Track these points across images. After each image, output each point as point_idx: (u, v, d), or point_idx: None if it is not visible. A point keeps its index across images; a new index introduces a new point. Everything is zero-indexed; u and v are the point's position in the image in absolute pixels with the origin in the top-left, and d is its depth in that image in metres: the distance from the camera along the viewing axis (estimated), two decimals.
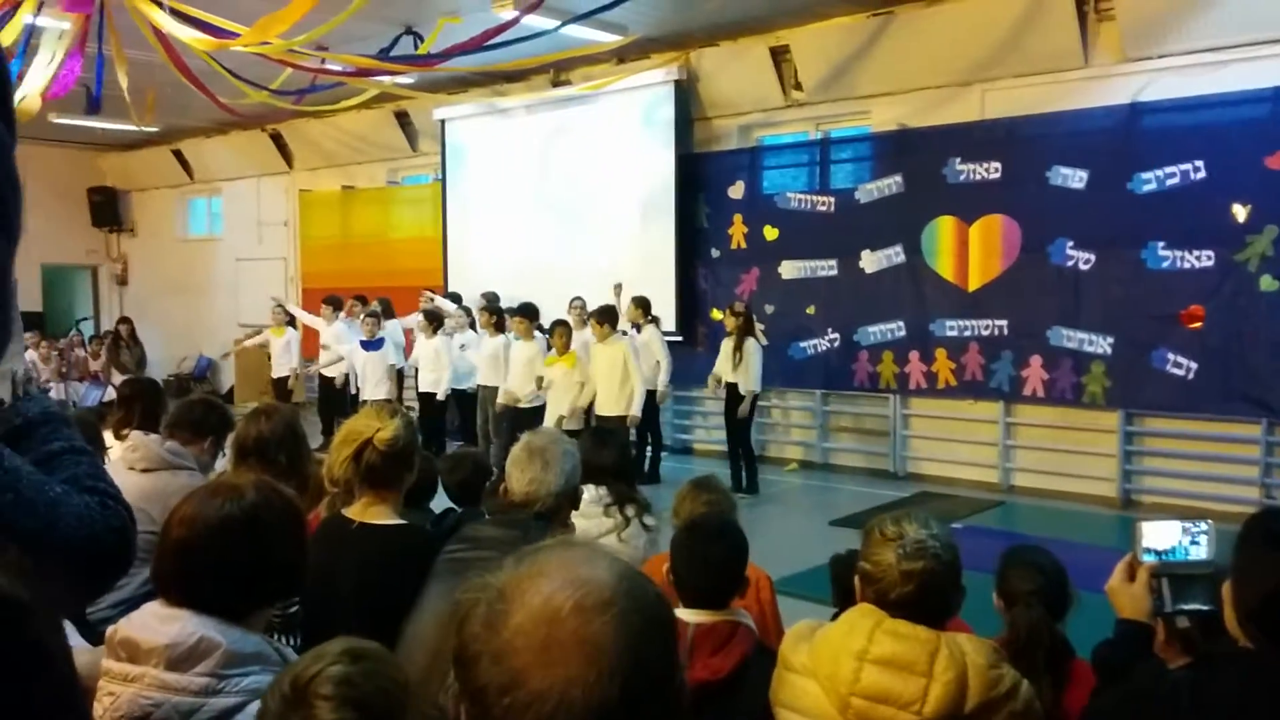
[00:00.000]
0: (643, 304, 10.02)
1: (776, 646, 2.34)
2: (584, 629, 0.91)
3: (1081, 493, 9.05)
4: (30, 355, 13.85)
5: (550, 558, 0.99)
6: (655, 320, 10.10)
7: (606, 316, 9.23)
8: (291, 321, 12.48)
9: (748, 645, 2.45)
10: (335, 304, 11.90)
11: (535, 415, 9.07)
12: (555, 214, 12.23)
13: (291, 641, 2.76)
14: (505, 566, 0.99)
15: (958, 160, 9.54)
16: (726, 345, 9.45)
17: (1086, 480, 9.06)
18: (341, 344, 11.38)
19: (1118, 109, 8.73)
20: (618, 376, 8.96)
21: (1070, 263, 9.02)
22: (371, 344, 10.79)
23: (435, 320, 10.64)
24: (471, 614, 0.96)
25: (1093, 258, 8.92)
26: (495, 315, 10.25)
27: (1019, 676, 2.01)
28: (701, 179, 11.34)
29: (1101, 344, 8.91)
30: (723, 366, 9.41)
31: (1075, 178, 8.93)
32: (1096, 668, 2.17)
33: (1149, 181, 8.57)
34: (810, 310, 10.63)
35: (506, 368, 9.89)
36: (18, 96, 7.46)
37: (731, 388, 9.32)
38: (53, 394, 12.32)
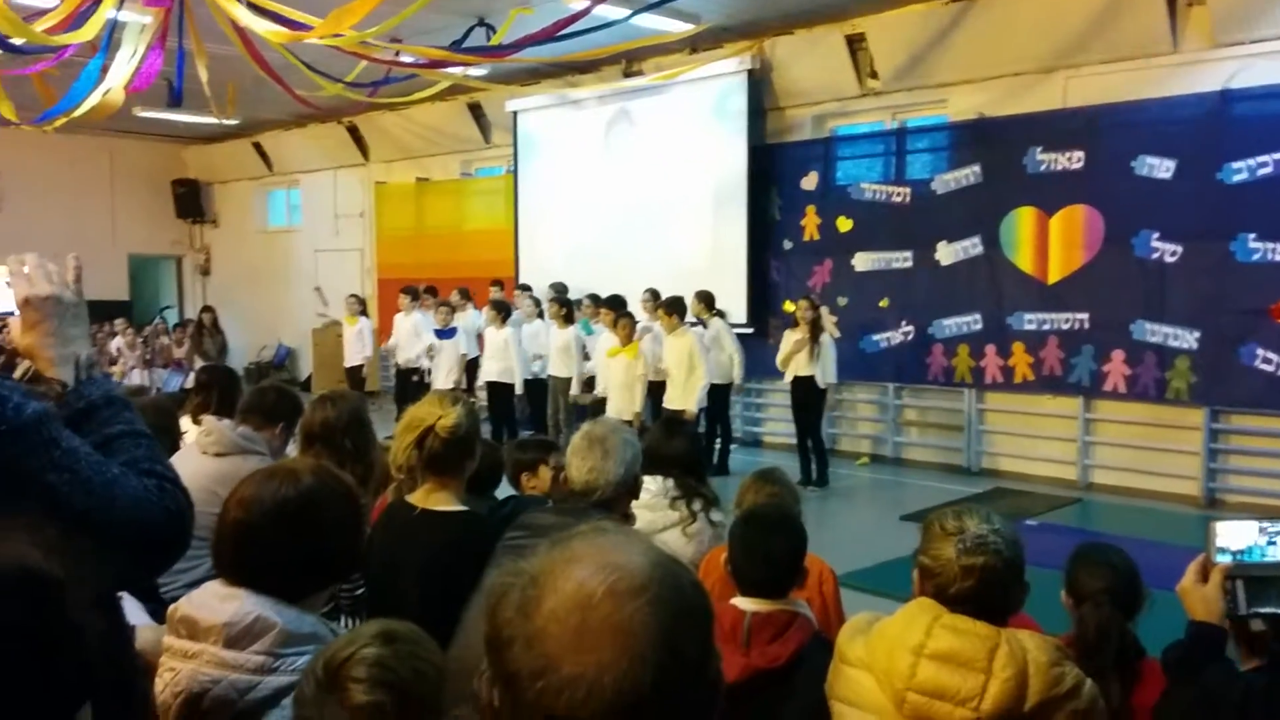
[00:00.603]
0: (706, 298, 9.93)
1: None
2: (617, 614, 0.90)
3: (1163, 491, 8.79)
4: (117, 342, 14.29)
5: (584, 543, 0.98)
6: (721, 314, 10.04)
7: (675, 307, 9.18)
8: (364, 311, 12.67)
9: (805, 634, 2.44)
10: (412, 294, 12.05)
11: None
12: (626, 205, 12.23)
13: (356, 623, 2.80)
14: (539, 551, 0.99)
15: (1039, 150, 9.31)
16: (793, 336, 9.31)
17: (1168, 479, 8.81)
18: (420, 334, 11.53)
19: (1208, 96, 8.43)
20: (684, 368, 8.92)
21: (1156, 255, 8.76)
22: (445, 333, 10.91)
23: (504, 311, 10.73)
24: (504, 599, 0.96)
25: (1180, 250, 8.64)
26: (564, 306, 10.30)
27: (1082, 675, 1.95)
28: (774, 170, 11.24)
29: (1187, 338, 8.64)
30: (790, 358, 9.28)
31: (1162, 167, 8.66)
32: (1167, 669, 2.10)
33: (1240, 171, 8.28)
34: (883, 303, 10.48)
35: (578, 358, 9.94)
36: (101, 90, 7.70)
37: (805, 381, 9.21)
38: (136, 380, 12.73)
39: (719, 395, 9.56)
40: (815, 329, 9.21)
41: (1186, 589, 2.02)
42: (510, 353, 10.56)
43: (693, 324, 9.59)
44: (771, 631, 2.41)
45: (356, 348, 12.43)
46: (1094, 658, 2.34)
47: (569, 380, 10.06)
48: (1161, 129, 8.65)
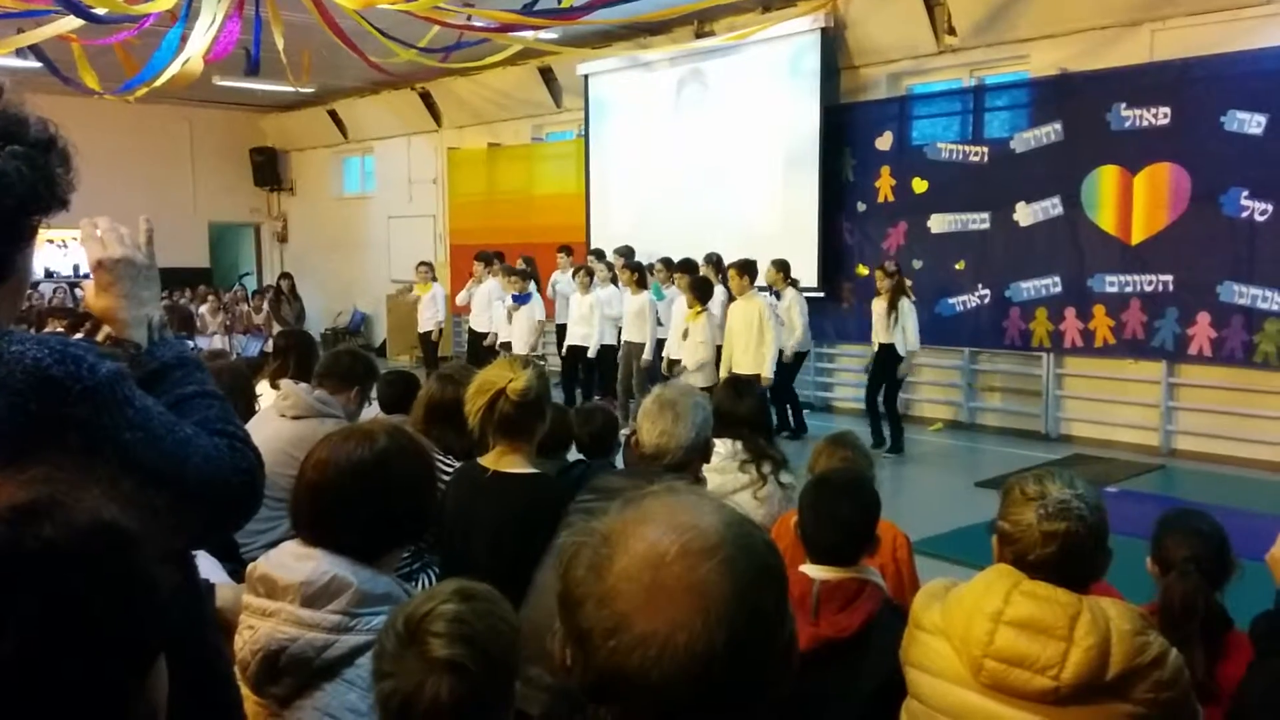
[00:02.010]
0: (783, 267, 9.75)
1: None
2: (689, 574, 0.90)
3: (1250, 458, 8.52)
4: (199, 308, 14.66)
5: (655, 503, 0.98)
6: (795, 283, 9.89)
7: (746, 270, 8.99)
8: (434, 276, 12.78)
9: (875, 603, 2.38)
10: (486, 260, 12.11)
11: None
12: (697, 168, 12.13)
13: (429, 583, 2.84)
14: (610, 512, 0.99)
15: (1123, 106, 9.00)
16: (879, 306, 9.19)
17: (1256, 445, 8.53)
18: (493, 302, 11.62)
19: None
20: (754, 334, 8.74)
21: (1245, 213, 8.44)
22: (521, 298, 10.98)
23: (590, 276, 10.76)
24: (576, 558, 0.96)
25: (1270, 208, 8.31)
26: (636, 271, 10.27)
27: (1167, 644, 1.89)
28: (847, 130, 11.05)
29: (1277, 300, 8.33)
30: (878, 328, 9.16)
31: (1253, 122, 8.32)
32: (1255, 640, 2.03)
33: None
34: (959, 266, 10.28)
35: (651, 323, 9.92)
36: (181, 59, 7.82)
37: (886, 348, 9.08)
38: (218, 344, 13.04)
39: (783, 367, 9.40)
40: (896, 294, 9.01)
41: (1277, 557, 1.95)
42: (594, 319, 10.60)
43: (762, 289, 9.47)
44: (841, 600, 2.36)
45: (430, 313, 12.57)
46: (1178, 628, 2.27)
47: (643, 345, 10.04)
48: (1252, 82, 8.30)
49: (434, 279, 12.77)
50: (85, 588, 0.76)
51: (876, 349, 9.22)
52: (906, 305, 9.05)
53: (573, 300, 10.99)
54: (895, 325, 8.97)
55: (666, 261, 10.47)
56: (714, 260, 10.04)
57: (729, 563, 0.91)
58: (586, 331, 10.73)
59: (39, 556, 0.75)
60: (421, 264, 12.87)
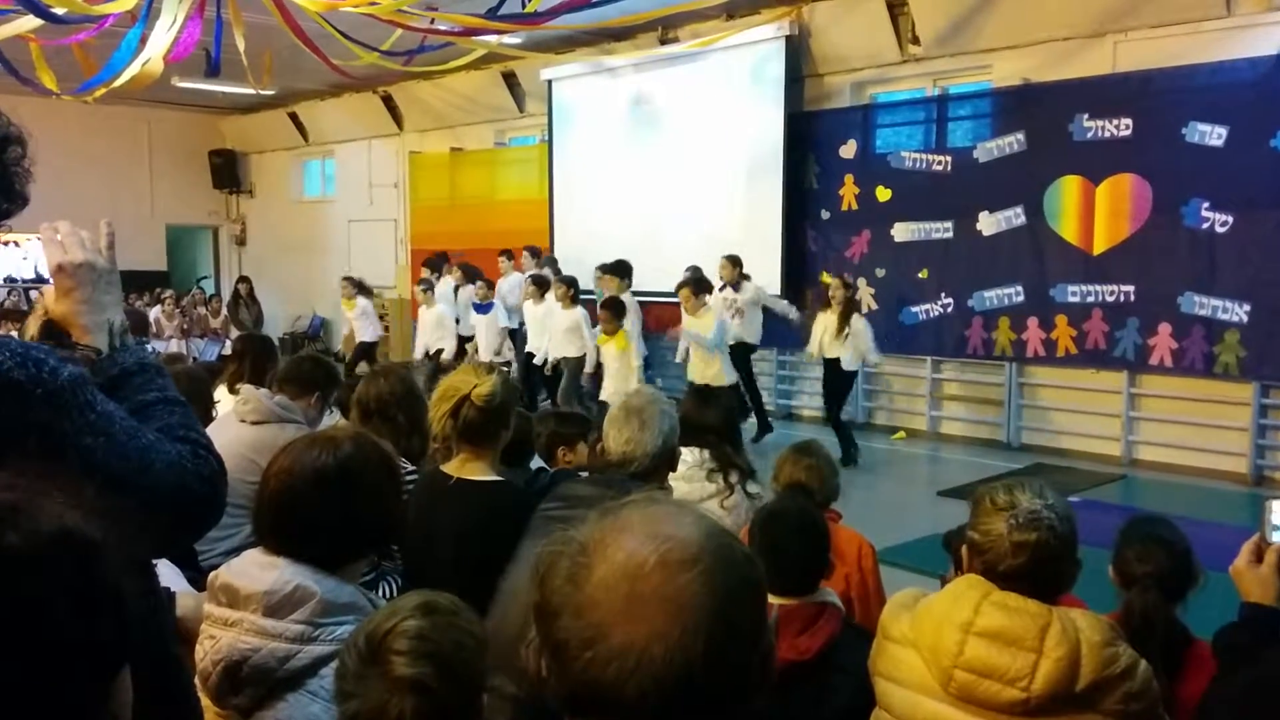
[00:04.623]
0: (736, 261, 9.75)
1: (878, 615, 2.27)
2: (667, 585, 0.89)
3: (1210, 468, 8.63)
4: (155, 312, 14.45)
5: (634, 513, 0.97)
6: (747, 276, 9.85)
7: (700, 287, 8.82)
8: (363, 291, 12.59)
9: (835, 625, 2.40)
10: (434, 266, 11.91)
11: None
12: (661, 174, 12.14)
13: (392, 591, 2.80)
14: (589, 521, 0.98)
15: (1085, 116, 9.11)
16: (828, 318, 9.00)
17: (1216, 455, 8.64)
18: (443, 323, 11.44)
19: (1262, 61, 8.19)
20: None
21: (1206, 225, 8.56)
22: (482, 308, 10.87)
23: (543, 286, 10.65)
24: (554, 567, 0.95)
25: (1230, 220, 8.43)
26: (571, 286, 10.07)
27: (1136, 656, 1.90)
28: (811, 138, 11.10)
29: (1237, 311, 8.45)
30: (824, 339, 9.00)
31: (1214, 134, 8.44)
32: (1218, 653, 2.03)
33: None
34: (923, 274, 10.35)
35: (589, 338, 9.76)
36: (141, 60, 7.71)
37: (833, 363, 9.00)
38: (175, 348, 12.86)
39: (742, 356, 9.37)
40: (849, 309, 8.92)
41: (1240, 569, 1.96)
42: (543, 328, 10.48)
43: (722, 288, 9.50)
44: (800, 624, 2.38)
45: (365, 325, 12.35)
46: (1138, 644, 2.28)
47: (578, 360, 9.88)
48: (1213, 95, 8.42)
49: (359, 293, 12.56)
50: (48, 595, 0.74)
51: (821, 361, 9.14)
52: (861, 324, 8.95)
53: (526, 310, 10.79)
54: (845, 340, 8.86)
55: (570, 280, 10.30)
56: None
57: (708, 574, 0.90)
58: (540, 343, 10.51)
59: (1, 563, 0.73)
60: (344, 279, 12.69)
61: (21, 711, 0.73)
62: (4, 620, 0.72)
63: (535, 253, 12.04)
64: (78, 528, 0.78)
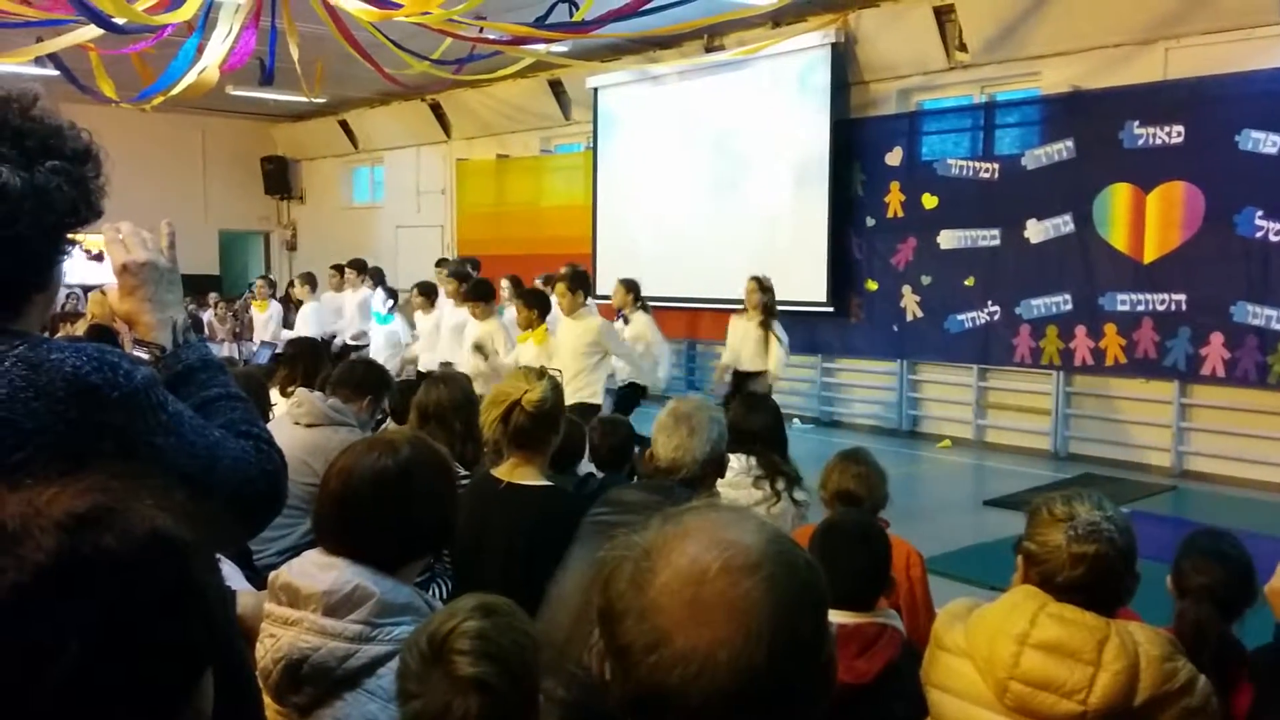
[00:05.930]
0: (632, 287, 8.32)
1: (926, 626, 2.25)
2: (731, 590, 0.90)
3: (1263, 480, 8.47)
4: (207, 315, 14.67)
5: (698, 518, 0.98)
6: (644, 305, 8.36)
7: (579, 283, 7.29)
8: (274, 295, 12.39)
9: (895, 649, 2.34)
10: (359, 268, 11.44)
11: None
12: (706, 182, 12.14)
13: (444, 591, 2.83)
14: (651, 526, 0.98)
15: (1136, 124, 8.99)
16: (745, 325, 7.96)
17: (1269, 467, 8.48)
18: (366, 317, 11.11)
19: None
20: (579, 358, 7.06)
21: (1259, 234, 8.41)
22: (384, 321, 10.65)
23: (432, 294, 9.56)
24: (617, 572, 0.95)
25: None
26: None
27: (1195, 671, 1.87)
28: (857, 146, 11.05)
29: None
30: (740, 352, 7.95)
31: (1268, 142, 8.30)
32: (1254, 676, 1.98)
33: None
34: (969, 282, 10.25)
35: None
36: (197, 69, 7.86)
37: (749, 377, 7.82)
38: (225, 353, 13.06)
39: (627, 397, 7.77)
40: (769, 314, 7.87)
41: (1277, 589, 1.93)
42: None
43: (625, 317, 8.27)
44: (859, 645, 2.31)
45: (271, 332, 11.99)
46: (1190, 657, 2.24)
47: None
48: (1267, 102, 8.28)
49: (273, 296, 12.34)
50: (142, 597, 0.76)
51: (731, 376, 8.01)
52: (779, 328, 7.93)
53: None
54: (769, 349, 7.79)
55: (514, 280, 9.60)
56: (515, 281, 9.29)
57: (771, 580, 0.91)
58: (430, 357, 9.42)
59: (99, 565, 0.75)
60: (261, 278, 12.53)
61: (115, 711, 0.74)
62: (102, 623, 0.73)
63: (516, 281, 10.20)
64: (169, 529, 0.80)
